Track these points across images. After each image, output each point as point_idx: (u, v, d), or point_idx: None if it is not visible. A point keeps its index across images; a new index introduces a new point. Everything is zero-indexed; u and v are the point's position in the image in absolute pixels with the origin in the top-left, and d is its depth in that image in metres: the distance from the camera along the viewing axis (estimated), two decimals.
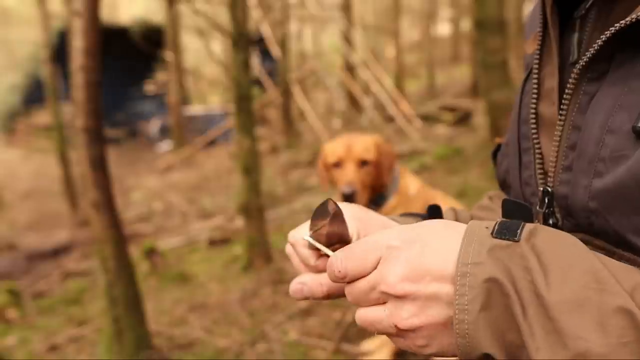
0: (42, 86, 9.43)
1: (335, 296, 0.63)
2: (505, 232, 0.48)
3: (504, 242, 0.47)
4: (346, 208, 0.67)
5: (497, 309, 0.46)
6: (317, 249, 0.62)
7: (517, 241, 0.47)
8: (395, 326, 0.50)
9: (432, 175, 5.98)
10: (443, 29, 22.54)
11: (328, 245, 0.61)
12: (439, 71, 16.39)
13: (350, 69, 11.99)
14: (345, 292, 0.55)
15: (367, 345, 2.54)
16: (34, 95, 14.51)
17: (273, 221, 5.01)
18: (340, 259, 0.53)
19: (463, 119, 9.02)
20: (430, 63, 15.14)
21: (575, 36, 0.62)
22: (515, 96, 0.75)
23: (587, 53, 0.56)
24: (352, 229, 0.65)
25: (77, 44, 2.30)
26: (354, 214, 0.67)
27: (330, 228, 0.60)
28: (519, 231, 0.48)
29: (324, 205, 0.62)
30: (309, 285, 0.63)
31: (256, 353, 2.69)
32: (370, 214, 0.70)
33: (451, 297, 0.48)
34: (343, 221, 0.61)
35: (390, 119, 9.92)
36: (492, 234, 0.48)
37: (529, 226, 0.49)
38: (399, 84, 12.83)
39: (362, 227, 0.66)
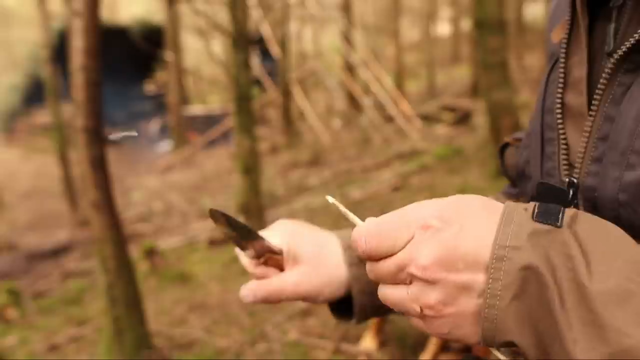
0: (42, 86, 9.42)
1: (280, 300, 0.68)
2: (547, 215, 0.46)
3: (545, 227, 0.45)
4: (279, 225, 0.74)
5: (531, 298, 0.43)
6: (257, 258, 0.68)
7: (559, 227, 0.45)
8: (420, 310, 0.47)
9: (432, 175, 5.98)
10: (443, 29, 22.54)
11: (258, 258, 0.67)
12: (439, 71, 16.39)
13: (350, 69, 11.99)
14: (367, 270, 0.51)
15: (364, 342, 2.55)
16: (34, 95, 14.52)
17: (273, 221, 4.99)
18: (365, 238, 0.48)
19: (463, 119, 9.02)
20: (430, 63, 15.14)
21: (612, 26, 0.61)
22: (539, 86, 0.73)
23: (626, 43, 0.56)
24: (282, 242, 0.70)
25: (77, 44, 2.30)
26: (286, 228, 0.73)
27: (256, 245, 0.66)
28: (560, 216, 0.46)
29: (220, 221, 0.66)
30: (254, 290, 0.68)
31: (256, 353, 2.69)
32: (304, 227, 0.75)
33: (484, 285, 0.45)
34: (256, 236, 0.66)
35: (390, 119, 9.92)
36: (532, 217, 0.46)
37: (569, 211, 0.47)
38: (399, 83, 12.82)
39: (292, 241, 0.70)
